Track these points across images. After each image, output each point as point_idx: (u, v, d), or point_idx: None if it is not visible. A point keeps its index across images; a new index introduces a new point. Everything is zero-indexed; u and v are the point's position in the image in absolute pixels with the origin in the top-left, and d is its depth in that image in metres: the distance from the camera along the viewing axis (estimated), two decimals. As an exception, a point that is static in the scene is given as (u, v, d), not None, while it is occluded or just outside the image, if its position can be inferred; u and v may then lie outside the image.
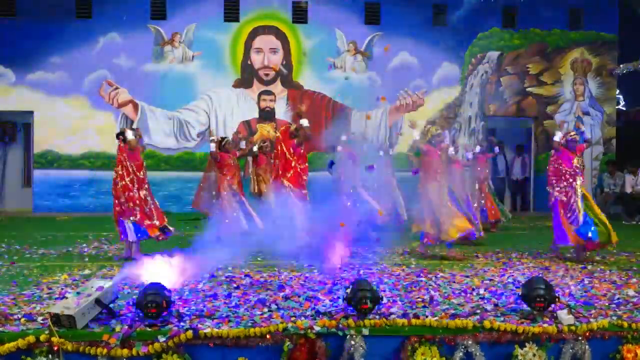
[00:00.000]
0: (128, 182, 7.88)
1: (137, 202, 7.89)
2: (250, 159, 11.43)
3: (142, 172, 8.00)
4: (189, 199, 12.55)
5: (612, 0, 15.41)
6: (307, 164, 8.68)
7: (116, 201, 7.96)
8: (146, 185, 8.06)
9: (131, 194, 7.87)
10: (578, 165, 8.19)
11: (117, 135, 8.12)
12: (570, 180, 8.07)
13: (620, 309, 5.49)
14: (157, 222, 8.00)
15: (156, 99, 14.33)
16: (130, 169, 7.90)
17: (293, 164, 8.43)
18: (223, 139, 9.84)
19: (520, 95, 15.50)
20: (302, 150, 8.60)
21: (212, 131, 11.42)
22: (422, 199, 8.37)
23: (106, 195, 11.07)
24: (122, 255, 8.11)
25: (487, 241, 9.62)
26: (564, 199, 8.08)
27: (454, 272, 7.26)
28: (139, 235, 7.90)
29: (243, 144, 10.79)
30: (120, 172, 7.92)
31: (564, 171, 8.10)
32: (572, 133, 8.31)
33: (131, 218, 7.86)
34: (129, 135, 7.96)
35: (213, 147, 9.25)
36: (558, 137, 8.25)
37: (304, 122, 8.37)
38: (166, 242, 8.05)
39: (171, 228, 8.20)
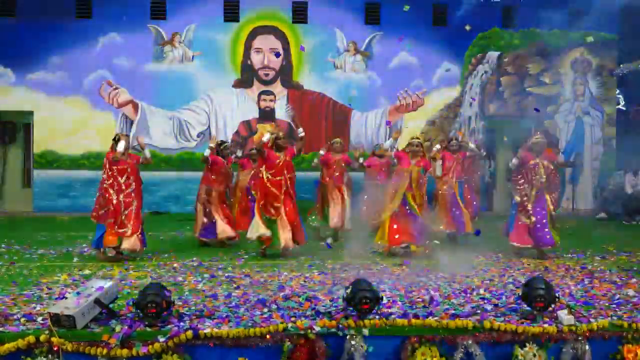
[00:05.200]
0: (107, 186, 7.89)
1: (112, 207, 7.84)
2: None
3: (124, 178, 7.90)
4: (188, 199, 12.50)
5: (612, 0, 15.38)
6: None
7: (96, 204, 8.01)
8: (129, 191, 7.92)
9: (109, 197, 7.85)
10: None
11: (113, 138, 8.08)
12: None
13: (620, 309, 5.49)
14: (126, 231, 7.84)
15: (156, 99, 14.31)
16: (111, 173, 7.88)
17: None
18: (222, 142, 9.77)
19: (520, 95, 15.48)
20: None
21: (214, 137, 11.06)
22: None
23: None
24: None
25: (487, 241, 9.60)
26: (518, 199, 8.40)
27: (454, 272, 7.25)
28: (96, 241, 7.94)
29: (239, 153, 10.68)
30: (103, 175, 7.99)
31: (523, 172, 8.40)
32: (537, 137, 8.49)
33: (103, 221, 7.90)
34: (119, 146, 7.80)
35: (208, 152, 9.13)
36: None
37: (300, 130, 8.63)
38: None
39: (128, 247, 7.92)
